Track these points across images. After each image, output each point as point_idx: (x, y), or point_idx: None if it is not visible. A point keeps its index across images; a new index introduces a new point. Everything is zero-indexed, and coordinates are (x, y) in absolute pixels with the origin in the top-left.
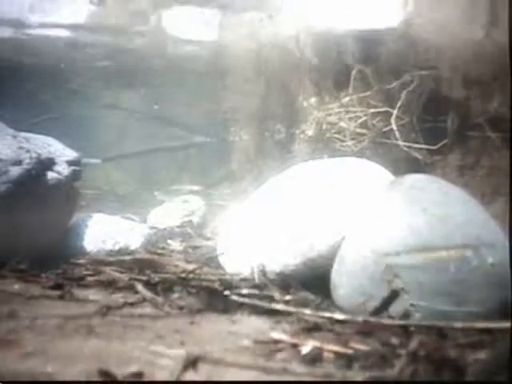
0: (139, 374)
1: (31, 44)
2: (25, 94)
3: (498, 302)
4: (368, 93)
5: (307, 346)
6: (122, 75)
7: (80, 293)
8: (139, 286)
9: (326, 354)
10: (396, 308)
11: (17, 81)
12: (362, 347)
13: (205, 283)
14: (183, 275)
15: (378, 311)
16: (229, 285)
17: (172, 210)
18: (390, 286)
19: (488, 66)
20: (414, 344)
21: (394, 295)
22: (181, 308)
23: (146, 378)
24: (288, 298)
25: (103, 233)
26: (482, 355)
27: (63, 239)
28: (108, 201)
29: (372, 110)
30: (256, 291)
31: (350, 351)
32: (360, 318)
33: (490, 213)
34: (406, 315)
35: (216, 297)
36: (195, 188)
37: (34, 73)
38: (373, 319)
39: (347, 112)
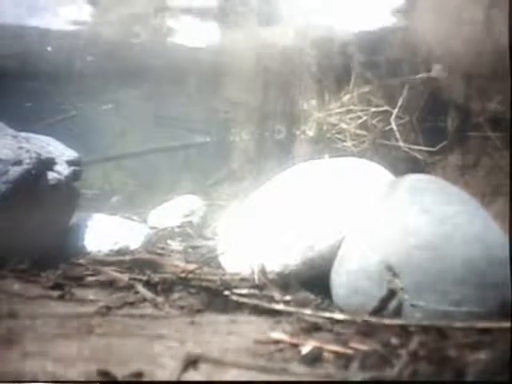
0: (139, 374)
1: (31, 45)
2: (25, 95)
3: (498, 302)
4: (367, 89)
5: (307, 346)
6: (122, 75)
7: (80, 293)
8: (139, 286)
9: (326, 354)
10: (395, 307)
11: (17, 82)
12: (362, 347)
13: (205, 283)
14: (183, 275)
15: (376, 311)
16: (229, 285)
17: (172, 210)
18: (388, 286)
19: (488, 66)
20: (413, 344)
21: (391, 294)
22: (181, 308)
23: (146, 378)
24: (288, 298)
25: (103, 233)
26: (481, 355)
27: (63, 239)
28: (108, 201)
29: (372, 110)
30: (256, 291)
31: (349, 351)
32: (360, 318)
33: (490, 213)
34: (397, 312)
35: (216, 297)
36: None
37: (34, 73)
38: (373, 319)
39: (348, 112)
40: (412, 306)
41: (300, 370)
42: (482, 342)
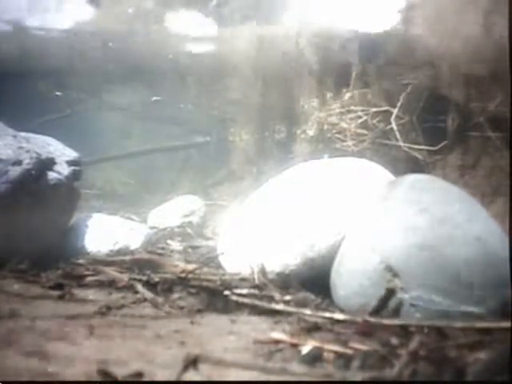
0: (139, 374)
1: (31, 44)
2: (25, 95)
3: (498, 302)
4: (368, 88)
5: (307, 346)
6: (122, 75)
7: (80, 293)
8: (139, 286)
9: (326, 354)
10: (394, 307)
11: (18, 81)
12: (361, 347)
13: (205, 283)
14: (183, 275)
15: (376, 311)
16: (229, 285)
17: (172, 210)
18: (388, 286)
19: (488, 66)
20: (413, 344)
21: (390, 294)
22: (181, 308)
23: (146, 378)
24: (288, 298)
25: (103, 233)
26: (481, 355)
27: (63, 239)
28: (108, 201)
29: (373, 110)
30: (256, 291)
31: (349, 351)
32: (360, 318)
33: (490, 213)
34: (396, 311)
35: (216, 297)
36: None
37: (34, 73)
38: (373, 319)
39: (348, 112)
40: (412, 305)
41: (300, 370)
42: (482, 342)
